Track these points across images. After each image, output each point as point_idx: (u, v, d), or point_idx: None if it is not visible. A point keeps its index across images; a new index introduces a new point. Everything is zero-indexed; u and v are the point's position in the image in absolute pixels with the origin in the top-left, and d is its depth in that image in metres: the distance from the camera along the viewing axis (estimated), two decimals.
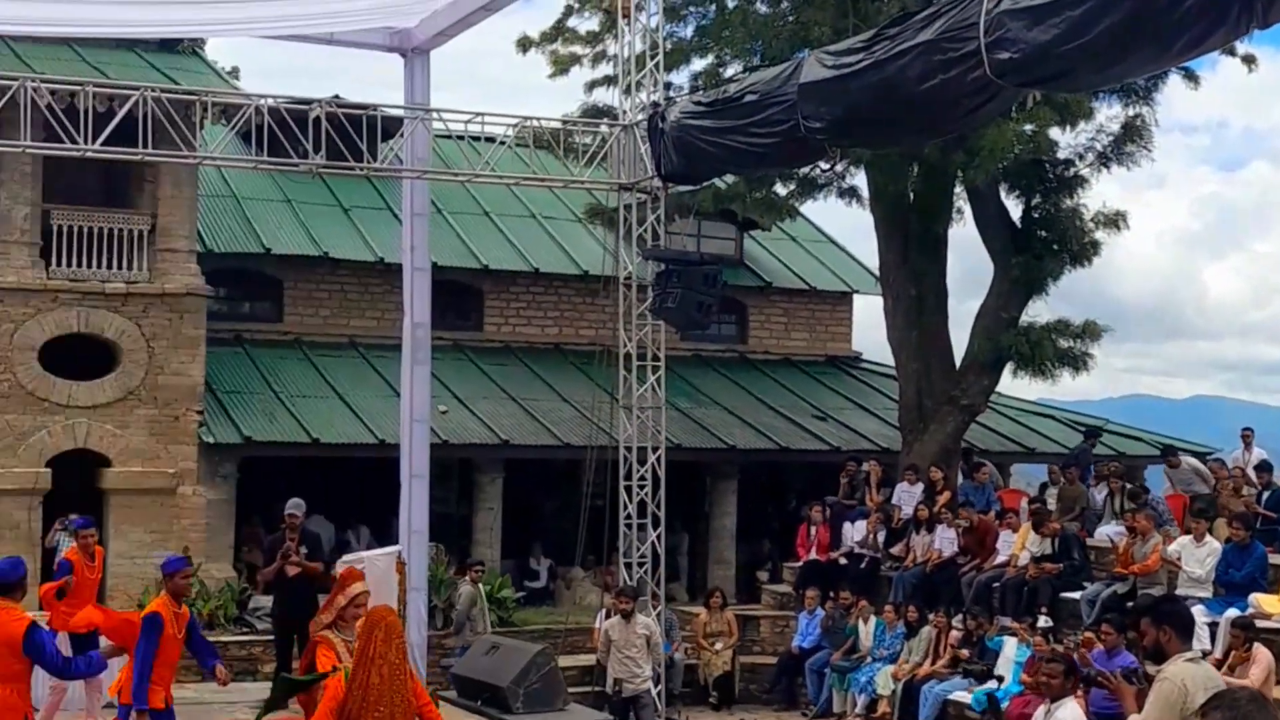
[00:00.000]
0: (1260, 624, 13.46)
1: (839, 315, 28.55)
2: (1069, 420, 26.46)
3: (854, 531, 19.49)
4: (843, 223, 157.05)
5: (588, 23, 22.72)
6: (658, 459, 16.28)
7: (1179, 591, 14.52)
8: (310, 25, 15.80)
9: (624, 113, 16.47)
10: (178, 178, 20.21)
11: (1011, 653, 15.54)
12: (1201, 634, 12.93)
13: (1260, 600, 14.31)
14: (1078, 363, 20.55)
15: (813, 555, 19.59)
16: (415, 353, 17.12)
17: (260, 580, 18.48)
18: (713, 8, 21.97)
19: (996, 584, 16.97)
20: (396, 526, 18.68)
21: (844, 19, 18.03)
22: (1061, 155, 20.46)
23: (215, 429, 20.39)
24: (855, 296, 28.52)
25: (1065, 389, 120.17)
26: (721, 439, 23.06)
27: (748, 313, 27.61)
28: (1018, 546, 17.09)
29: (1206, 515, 16.36)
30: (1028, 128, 18.48)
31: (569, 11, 22.99)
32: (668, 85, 17.91)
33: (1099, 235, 20.63)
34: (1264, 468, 18.21)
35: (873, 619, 17.47)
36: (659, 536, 16.29)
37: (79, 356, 19.87)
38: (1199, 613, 13.18)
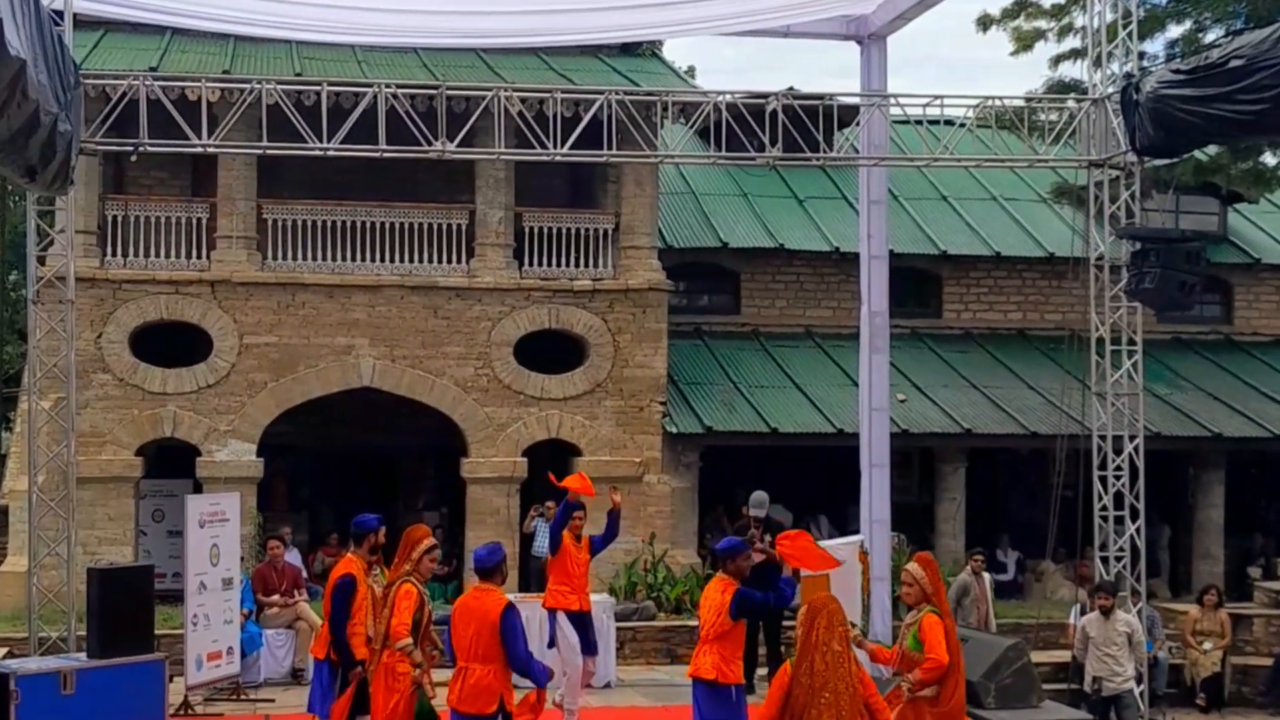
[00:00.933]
0: None
1: None
2: None
3: None
4: None
5: None
6: (1135, 448, 15.44)
7: None
8: (767, 19, 15.86)
9: (1093, 86, 15.66)
10: (639, 177, 20.78)
11: None
12: None
13: None
14: None
15: None
16: (874, 341, 16.97)
17: None
18: None
19: None
20: (854, 516, 18.58)
21: None
22: None
23: (678, 419, 20.85)
24: None
25: None
26: (1206, 426, 21.69)
27: (1233, 292, 25.79)
28: None
29: None
30: None
31: None
32: (1141, 55, 16.93)
33: None
34: None
35: None
36: (1138, 530, 15.45)
37: (550, 351, 20.77)
38: None
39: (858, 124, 15.95)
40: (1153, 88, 13.73)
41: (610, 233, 20.96)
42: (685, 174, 25.58)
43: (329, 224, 20.15)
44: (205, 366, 19.79)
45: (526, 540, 19.71)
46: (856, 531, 16.89)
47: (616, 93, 15.37)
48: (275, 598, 16.22)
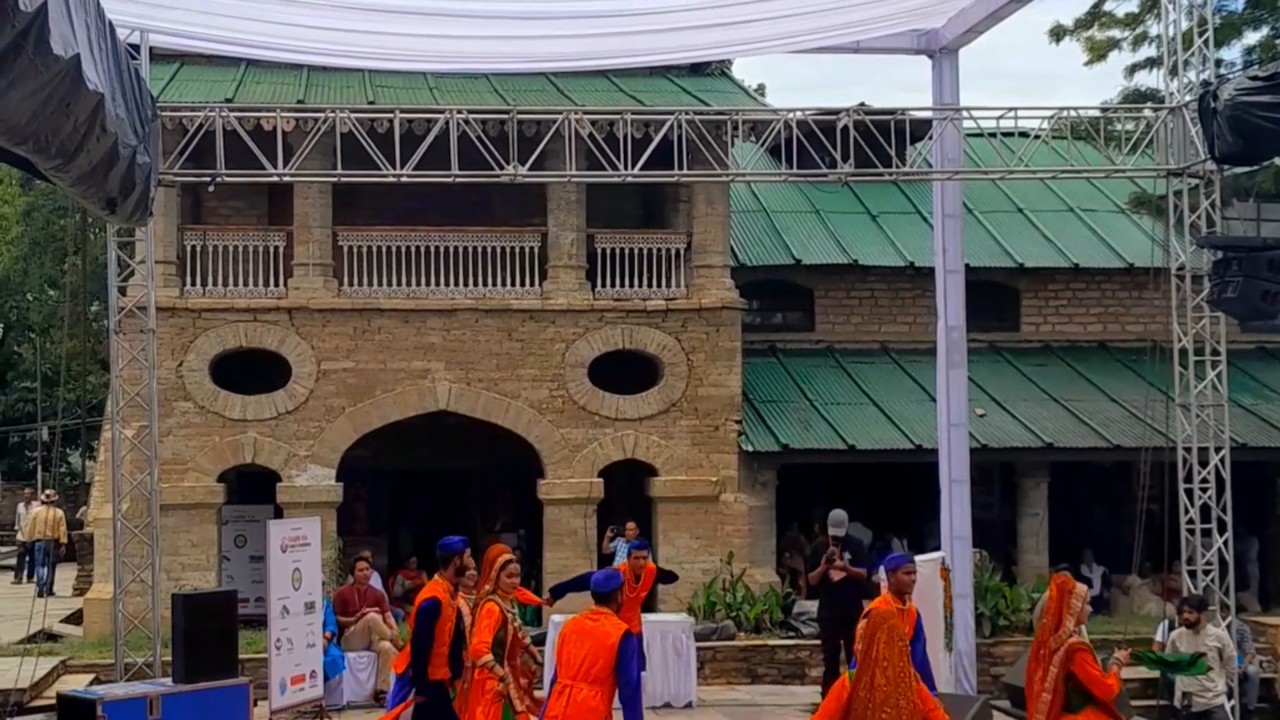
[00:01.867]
0: None
1: None
2: None
3: None
4: None
5: (1126, 4, 21.82)
6: (1221, 460, 15.22)
7: None
8: (837, 36, 15.82)
9: (1170, 95, 15.49)
10: (711, 196, 20.76)
11: None
12: None
13: None
14: None
15: None
16: (950, 356, 16.83)
17: (804, 585, 18.72)
18: None
19: None
20: (933, 532, 18.41)
21: None
22: None
23: (754, 438, 20.77)
24: None
25: None
26: None
27: None
28: None
29: None
30: None
31: None
32: (1218, 62, 16.74)
33: None
34: None
35: None
36: (1225, 542, 15.22)
37: (624, 372, 20.78)
38: None
39: (930, 138, 15.86)
40: (1230, 95, 13.59)
41: (682, 252, 20.95)
42: (757, 192, 25.53)
43: (403, 249, 20.31)
44: (284, 393, 19.99)
45: (606, 561, 19.71)
46: (937, 548, 16.73)
47: (686, 113, 15.39)
48: (353, 618, 16.34)
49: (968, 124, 16.08)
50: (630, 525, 19.17)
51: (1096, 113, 16.25)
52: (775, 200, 25.43)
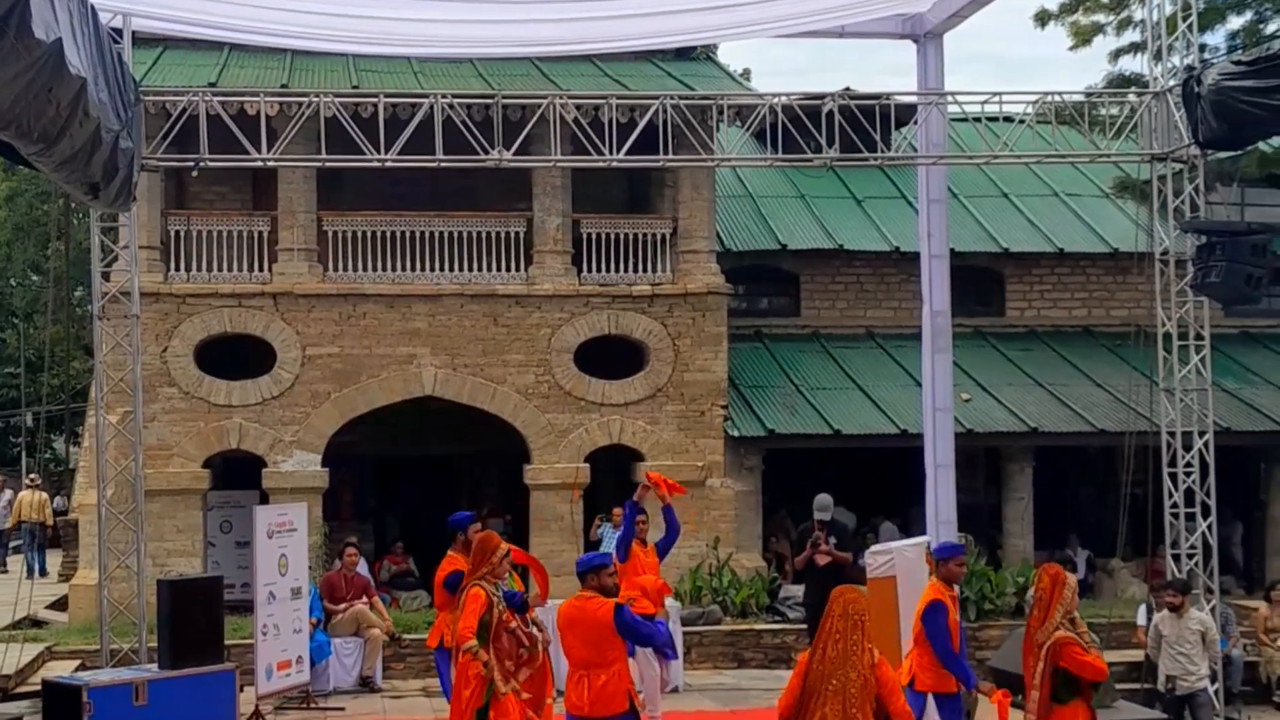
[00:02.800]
0: None
1: None
2: None
3: None
4: None
5: None
6: (1205, 444, 15.27)
7: None
8: (822, 20, 15.81)
9: (1154, 80, 15.51)
10: (696, 181, 20.74)
11: None
12: None
13: None
14: None
15: None
16: (936, 340, 16.86)
17: (790, 569, 18.78)
18: None
19: None
20: (919, 517, 18.46)
21: None
22: None
23: (740, 423, 20.79)
24: None
25: None
26: (1277, 420, 21.37)
27: None
28: None
29: None
30: None
31: None
32: (1202, 47, 16.79)
33: None
34: None
35: None
36: (1209, 527, 15.28)
37: (610, 357, 20.78)
38: None
39: (915, 123, 15.88)
40: (1214, 80, 13.61)
41: (668, 237, 20.94)
42: (742, 177, 25.52)
43: (388, 234, 20.27)
44: (269, 378, 19.95)
45: (593, 547, 19.71)
46: (923, 533, 16.77)
47: (672, 97, 15.37)
48: (341, 605, 16.33)
49: (953, 109, 16.08)
50: (617, 512, 19.15)
51: (1081, 98, 16.25)
52: (761, 185, 25.43)
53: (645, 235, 20.89)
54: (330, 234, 20.29)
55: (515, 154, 14.96)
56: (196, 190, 21.77)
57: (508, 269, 20.50)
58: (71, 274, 36.36)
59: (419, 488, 22.92)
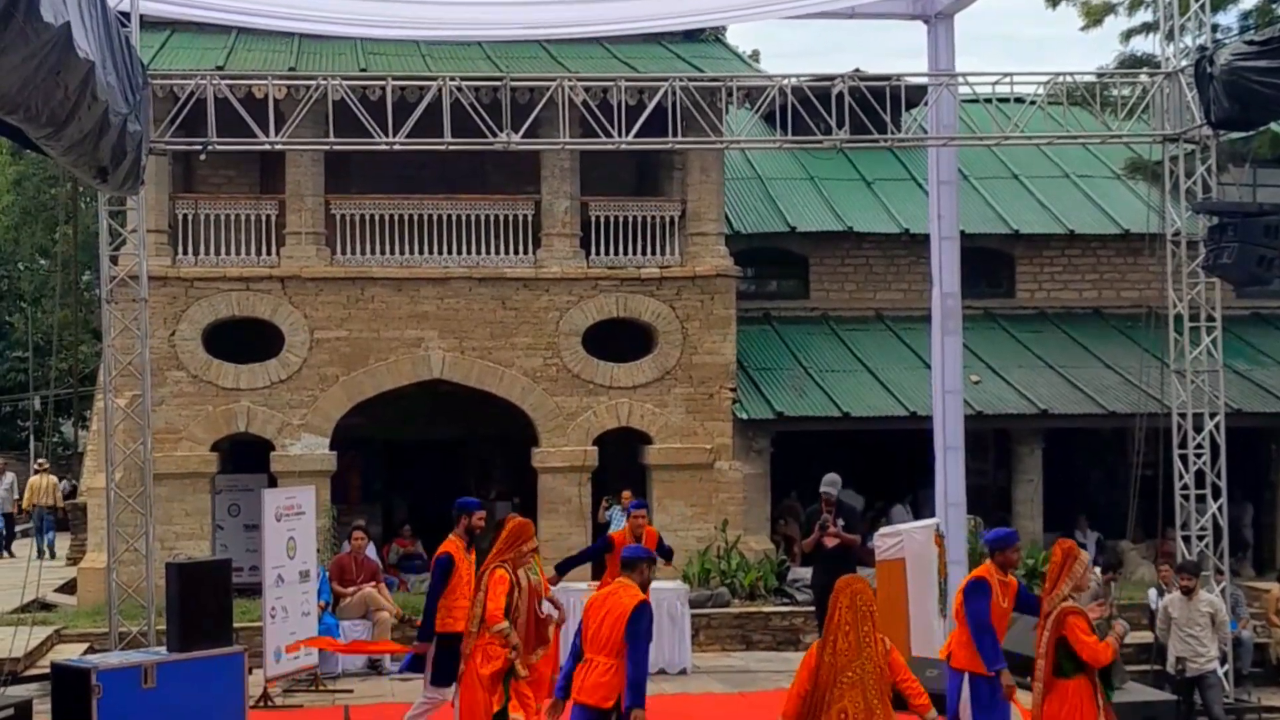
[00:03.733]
0: None
1: None
2: None
3: None
4: None
5: None
6: (1216, 425, 15.24)
7: None
8: (831, 1, 15.71)
9: (1166, 60, 15.44)
10: (705, 163, 20.68)
11: None
12: None
13: None
14: None
15: None
16: (945, 323, 16.80)
17: (798, 552, 18.76)
18: None
19: None
20: (929, 499, 18.43)
21: None
22: None
23: (748, 405, 20.75)
24: None
25: None
26: None
27: None
28: None
29: None
30: None
31: None
32: (1214, 27, 16.70)
33: None
34: None
35: None
36: (1220, 508, 15.26)
37: (618, 340, 20.74)
38: None
39: (926, 104, 15.81)
40: (1227, 60, 13.56)
41: (677, 220, 20.89)
42: (751, 159, 25.43)
43: (396, 218, 20.23)
44: (277, 362, 19.94)
45: (601, 529, 19.72)
46: (932, 515, 16.75)
47: (680, 79, 15.32)
48: (350, 589, 16.34)
49: (963, 90, 16.01)
50: (626, 494, 19.17)
51: (1092, 78, 16.21)
52: (770, 167, 25.35)
53: (654, 218, 20.83)
54: (338, 217, 20.25)
55: (523, 137, 14.92)
56: (204, 174, 21.75)
57: (516, 252, 20.46)
58: (80, 258, 36.37)
59: (427, 471, 22.91)
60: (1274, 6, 19.51)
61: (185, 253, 19.99)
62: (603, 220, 20.72)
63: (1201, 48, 14.61)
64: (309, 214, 20.06)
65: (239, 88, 15.71)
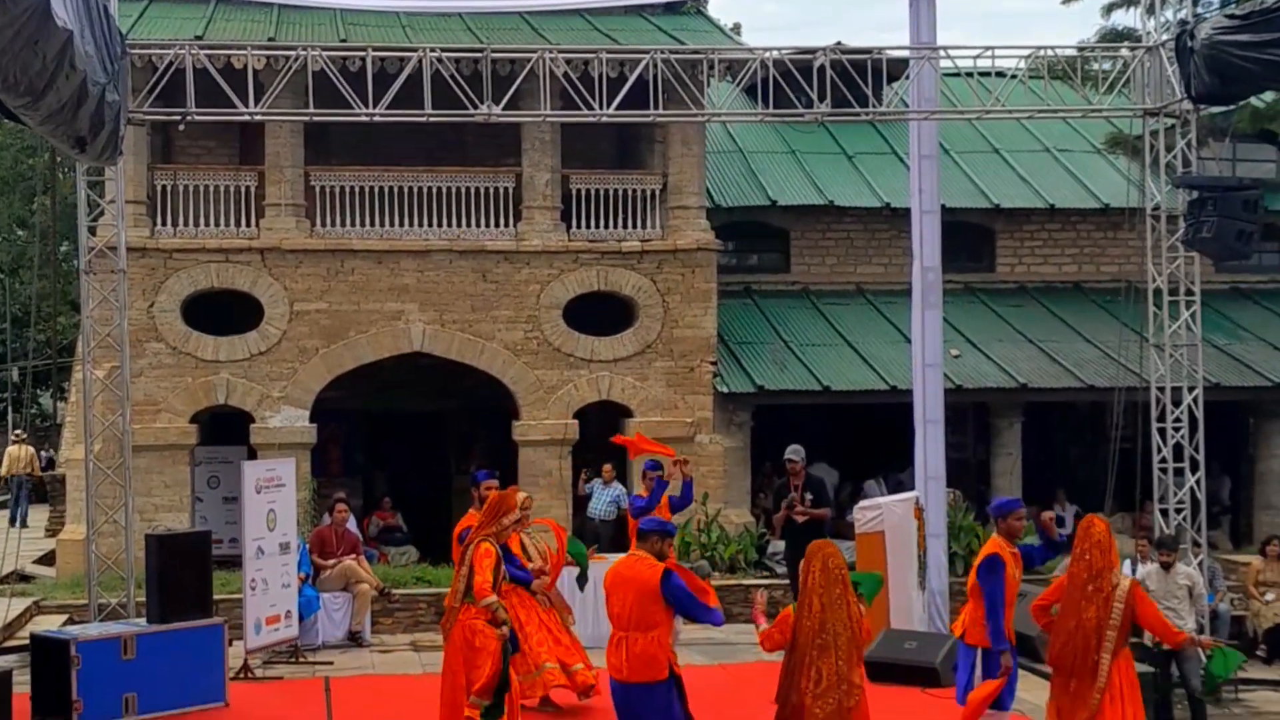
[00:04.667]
0: None
1: None
2: None
3: None
4: None
5: None
6: (1194, 399, 15.32)
7: None
8: None
9: (1147, 34, 15.45)
10: (686, 136, 20.63)
11: None
12: None
13: None
14: None
15: None
16: (926, 297, 16.77)
17: (776, 525, 18.83)
18: None
19: None
20: (909, 473, 18.48)
21: None
22: None
23: (729, 379, 20.78)
24: None
25: None
26: (1266, 376, 21.40)
27: None
28: None
29: None
30: None
31: None
32: (1195, 1, 16.70)
33: None
34: None
35: None
36: (1198, 481, 15.34)
37: (599, 313, 20.73)
38: None
39: (907, 78, 15.79)
40: (1208, 34, 13.57)
41: (658, 193, 20.85)
42: (733, 132, 25.40)
43: (377, 190, 20.16)
44: (257, 334, 19.88)
45: (580, 502, 19.74)
46: (912, 488, 16.81)
47: (662, 52, 15.28)
48: (330, 561, 16.34)
49: (945, 64, 16.00)
50: (608, 469, 19.19)
51: (1073, 52, 16.26)
52: (751, 141, 25.32)
53: (635, 191, 20.80)
54: (318, 189, 20.17)
55: (504, 109, 14.89)
56: (183, 144, 21.62)
57: (497, 225, 20.41)
58: (58, 229, 36.14)
59: (407, 443, 22.90)
60: None
61: (164, 224, 19.89)
62: (584, 193, 20.67)
63: (1182, 22, 14.65)
64: (288, 185, 19.97)
65: (218, 58, 15.63)
